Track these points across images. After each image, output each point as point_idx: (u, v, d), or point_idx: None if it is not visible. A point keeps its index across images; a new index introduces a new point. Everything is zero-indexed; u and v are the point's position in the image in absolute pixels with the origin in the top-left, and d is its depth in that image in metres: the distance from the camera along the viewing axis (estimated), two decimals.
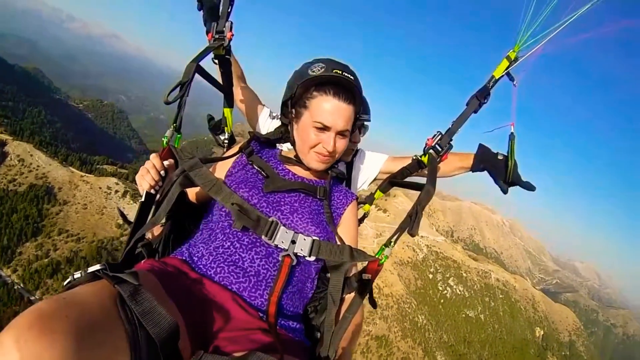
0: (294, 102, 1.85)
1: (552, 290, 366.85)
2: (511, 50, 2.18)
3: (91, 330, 1.00)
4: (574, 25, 1.94)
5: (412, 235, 1.69)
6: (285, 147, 2.24)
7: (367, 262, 1.69)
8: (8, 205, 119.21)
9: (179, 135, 1.94)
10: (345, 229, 1.95)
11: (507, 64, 2.20)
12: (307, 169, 1.96)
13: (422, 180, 2.14)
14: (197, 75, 1.97)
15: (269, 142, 2.13)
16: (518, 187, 2.25)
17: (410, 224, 1.69)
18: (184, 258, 1.76)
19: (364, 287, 1.69)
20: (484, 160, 2.31)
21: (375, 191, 2.63)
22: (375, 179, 2.82)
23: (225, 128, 2.52)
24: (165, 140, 1.88)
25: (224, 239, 1.72)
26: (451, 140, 2.25)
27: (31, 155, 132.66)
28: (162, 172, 1.81)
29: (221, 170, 1.99)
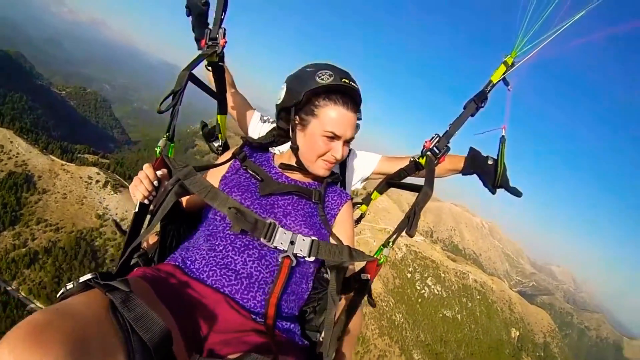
0: (298, 109, 1.85)
1: (529, 292, 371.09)
2: (508, 56, 2.20)
3: (85, 339, 1.00)
4: (568, 31, 1.97)
5: (410, 236, 1.70)
6: (277, 151, 2.24)
7: (365, 262, 1.69)
8: None
9: (172, 145, 1.92)
10: (340, 230, 1.97)
11: (505, 69, 2.22)
12: (305, 172, 1.99)
13: (418, 181, 2.21)
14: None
15: (262, 146, 2.14)
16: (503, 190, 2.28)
17: (408, 225, 1.69)
18: (177, 263, 1.76)
19: (362, 287, 1.69)
20: (475, 165, 2.32)
21: (373, 192, 2.64)
22: (368, 179, 2.83)
23: (219, 135, 2.52)
24: (158, 150, 1.86)
25: (217, 242, 1.73)
26: (448, 142, 2.26)
27: (11, 142, 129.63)
28: (156, 182, 1.80)
29: (215, 176, 2.01)
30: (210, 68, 2.20)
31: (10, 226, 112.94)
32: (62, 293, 1.24)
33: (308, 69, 1.84)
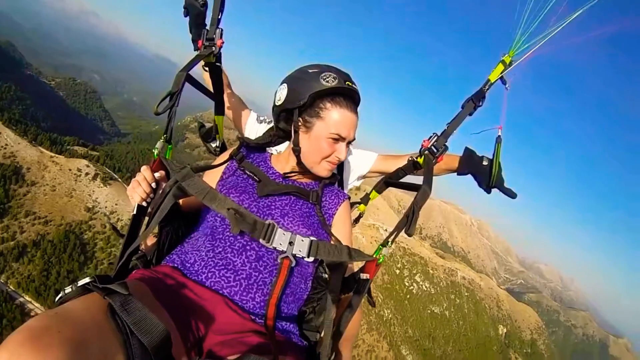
0: (301, 111, 1.85)
1: (517, 290, 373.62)
2: (506, 55, 2.20)
3: (84, 344, 1.00)
4: (567, 29, 1.97)
5: (409, 235, 1.69)
6: (274, 151, 2.25)
7: (364, 262, 1.70)
8: None
9: (169, 146, 1.91)
10: (338, 229, 1.96)
11: (503, 68, 2.21)
12: (303, 172, 2.02)
13: (415, 180, 2.21)
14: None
15: (259, 146, 2.15)
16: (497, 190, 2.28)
17: (407, 223, 1.68)
18: (175, 265, 1.76)
19: (362, 286, 1.69)
20: (470, 165, 2.33)
21: (371, 191, 2.66)
22: (365, 177, 2.84)
23: (217, 136, 2.52)
24: (156, 151, 1.85)
25: (216, 244, 1.73)
26: (447, 142, 2.24)
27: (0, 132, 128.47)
28: (153, 184, 1.80)
29: (213, 178, 2.02)
30: (207, 69, 2.19)
31: None
32: (61, 297, 1.24)
33: (310, 71, 1.83)
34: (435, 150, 2.22)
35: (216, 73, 2.24)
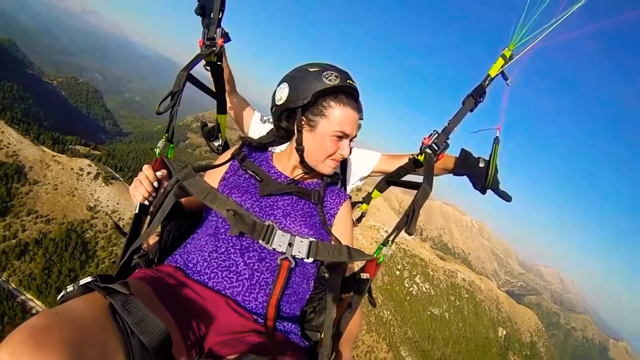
0: (304, 110, 1.85)
1: (517, 292, 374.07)
2: (506, 49, 2.14)
3: (84, 343, 1.01)
4: (566, 21, 1.93)
5: (410, 234, 1.69)
6: (277, 150, 2.24)
7: (364, 262, 1.69)
8: None
9: (171, 146, 1.91)
10: (339, 229, 1.96)
11: (503, 62, 2.15)
12: (305, 172, 2.01)
13: (417, 178, 2.17)
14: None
15: (261, 145, 2.14)
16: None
17: (407, 223, 1.68)
18: (177, 265, 1.76)
19: (362, 286, 1.70)
20: (465, 166, 2.30)
21: (372, 191, 2.64)
22: (367, 177, 2.85)
23: (220, 134, 2.52)
24: (157, 151, 1.85)
25: (218, 244, 1.73)
26: (448, 139, 2.21)
27: (2, 132, 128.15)
28: (155, 183, 1.81)
29: (215, 177, 2.01)
30: (208, 68, 2.20)
31: (1, 217, 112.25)
32: (63, 296, 1.24)
33: (311, 69, 1.83)
34: (436, 148, 2.19)
35: (217, 72, 2.25)
